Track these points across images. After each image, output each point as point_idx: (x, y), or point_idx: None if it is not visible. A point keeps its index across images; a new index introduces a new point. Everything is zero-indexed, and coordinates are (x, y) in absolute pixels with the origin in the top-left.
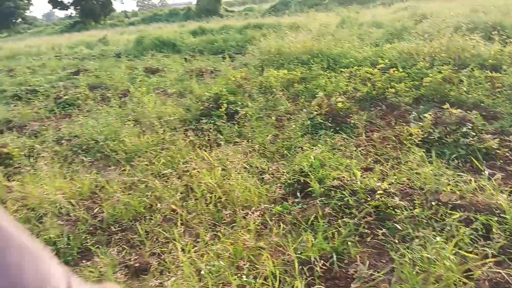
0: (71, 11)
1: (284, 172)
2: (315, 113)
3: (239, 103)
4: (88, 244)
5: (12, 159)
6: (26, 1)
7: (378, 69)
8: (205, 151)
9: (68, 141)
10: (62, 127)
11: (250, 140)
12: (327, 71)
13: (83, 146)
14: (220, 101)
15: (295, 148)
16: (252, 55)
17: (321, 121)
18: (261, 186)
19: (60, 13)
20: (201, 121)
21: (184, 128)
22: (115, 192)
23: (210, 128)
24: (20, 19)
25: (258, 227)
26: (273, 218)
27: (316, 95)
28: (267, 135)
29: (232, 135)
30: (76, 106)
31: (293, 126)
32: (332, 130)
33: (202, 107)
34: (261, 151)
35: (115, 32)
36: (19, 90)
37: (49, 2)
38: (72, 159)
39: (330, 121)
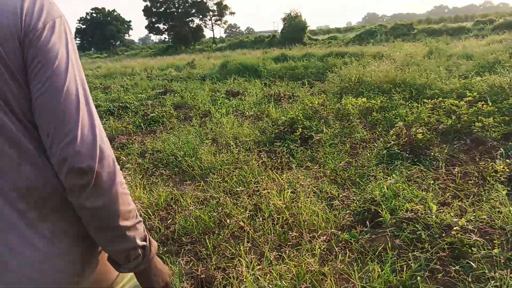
0: (165, 36)
1: (354, 200)
2: (392, 142)
3: (314, 128)
4: (159, 253)
5: None
6: (126, 26)
7: (465, 102)
8: (277, 173)
9: (151, 154)
10: (146, 142)
11: (322, 165)
12: (409, 102)
13: (164, 160)
14: (296, 125)
15: (368, 176)
16: (331, 82)
17: (398, 151)
18: (330, 211)
19: (155, 38)
20: (275, 143)
21: (258, 149)
22: (188, 205)
23: (283, 151)
24: (119, 42)
25: (323, 252)
26: (340, 244)
27: (395, 125)
28: (340, 162)
29: (304, 159)
30: (161, 123)
31: (368, 154)
32: (409, 161)
33: (277, 131)
34: (332, 177)
35: (202, 57)
36: (112, 106)
37: (146, 28)
38: (152, 172)
39: (407, 152)
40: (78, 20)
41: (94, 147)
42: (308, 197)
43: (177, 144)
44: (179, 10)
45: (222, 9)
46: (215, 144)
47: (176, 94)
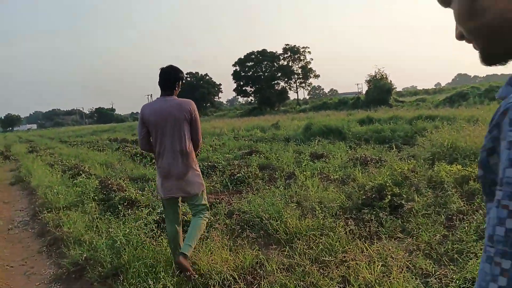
0: (251, 98)
1: (453, 279)
2: None
3: (404, 196)
4: None
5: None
6: (216, 89)
7: None
8: (365, 242)
9: (237, 215)
10: (233, 202)
11: (414, 237)
12: None
13: (250, 222)
14: (384, 192)
15: (467, 253)
16: (421, 147)
17: None
18: None
19: (241, 99)
20: (362, 210)
21: (344, 216)
22: (273, 271)
23: (372, 219)
24: (209, 103)
25: None
26: None
27: None
28: (435, 234)
29: (395, 230)
30: (246, 183)
31: (466, 228)
32: None
33: (364, 196)
34: (426, 251)
35: (286, 118)
36: (201, 165)
37: (234, 90)
38: (238, 233)
39: None
40: None
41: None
42: (401, 273)
43: (263, 205)
44: (266, 74)
45: (306, 72)
46: (299, 208)
47: (261, 155)
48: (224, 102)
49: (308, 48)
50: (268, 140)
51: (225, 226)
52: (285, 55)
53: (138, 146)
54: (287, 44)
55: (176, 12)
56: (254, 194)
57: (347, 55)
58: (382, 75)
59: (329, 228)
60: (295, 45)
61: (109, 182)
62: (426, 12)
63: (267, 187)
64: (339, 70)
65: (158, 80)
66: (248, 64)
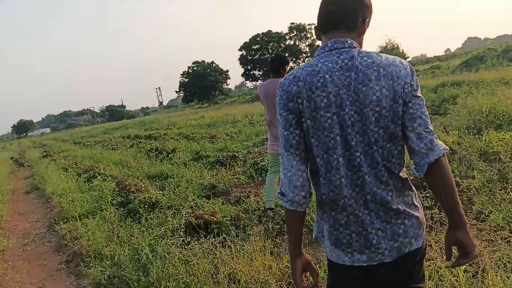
0: (260, 82)
1: None
2: None
3: (457, 172)
4: None
5: (221, 228)
6: (224, 76)
7: None
8: (429, 233)
9: (271, 210)
10: (262, 195)
11: (484, 220)
12: None
13: (283, 217)
14: None
15: None
16: (456, 115)
17: None
18: None
19: (250, 84)
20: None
21: None
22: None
23: (429, 205)
24: (218, 91)
25: None
26: None
27: None
28: (508, 216)
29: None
30: None
31: None
32: None
33: (411, 177)
34: (505, 237)
35: None
36: (221, 156)
37: (242, 75)
38: (277, 232)
39: None
40: (181, 74)
41: None
42: (496, 271)
43: None
44: (273, 55)
45: (314, 50)
46: None
47: None
48: (233, 89)
49: (315, 24)
50: None
51: (260, 223)
52: (292, 34)
53: (152, 142)
54: (292, 23)
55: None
56: None
57: None
58: (394, 46)
59: None
60: (300, 23)
61: (126, 183)
62: None
63: None
64: None
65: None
66: (254, 47)
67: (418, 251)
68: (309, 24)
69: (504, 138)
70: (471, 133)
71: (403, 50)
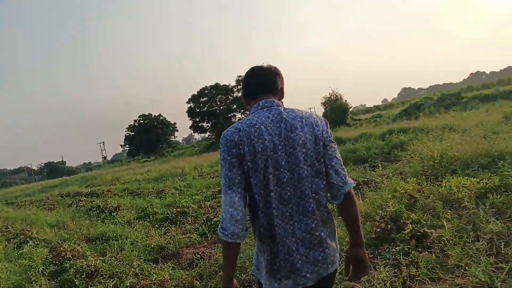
0: (209, 133)
1: None
2: None
3: (424, 222)
4: None
5: None
6: (172, 128)
7: None
8: None
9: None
10: (219, 257)
11: (463, 275)
12: None
13: (247, 283)
14: (401, 220)
15: None
16: (408, 162)
17: None
18: None
19: (198, 136)
20: (380, 247)
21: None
22: None
23: (399, 259)
24: (165, 144)
25: None
26: None
27: None
28: (487, 268)
29: (434, 268)
30: None
31: None
32: None
33: (378, 229)
34: None
35: None
36: (169, 213)
37: (190, 128)
38: None
39: None
40: (126, 128)
41: None
42: None
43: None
44: (221, 107)
45: None
46: None
47: None
48: (180, 141)
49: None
50: None
51: None
52: (239, 87)
53: (94, 199)
54: (239, 76)
55: (132, 59)
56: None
57: (295, 79)
58: (337, 96)
59: None
60: None
61: (61, 248)
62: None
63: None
64: (292, 95)
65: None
66: (202, 99)
67: (333, 274)
68: None
69: (466, 184)
70: (428, 180)
71: (346, 100)
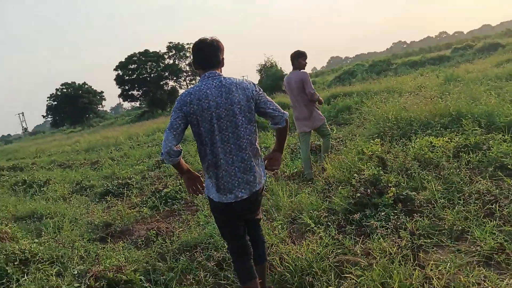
0: (139, 102)
1: None
2: None
3: (403, 184)
4: None
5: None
6: (99, 97)
7: None
8: (410, 264)
9: (196, 251)
10: (177, 231)
11: (464, 240)
12: (492, 134)
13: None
14: (381, 184)
15: None
16: (361, 124)
17: None
18: None
19: (127, 105)
20: (362, 212)
21: (350, 226)
22: None
23: (392, 226)
24: (92, 114)
25: None
26: None
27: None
28: (486, 232)
29: (431, 234)
30: (179, 199)
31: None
32: None
33: (358, 194)
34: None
35: None
36: (110, 185)
37: (119, 96)
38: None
39: None
40: (48, 97)
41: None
42: None
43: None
44: (152, 75)
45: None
46: (268, 224)
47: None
48: (109, 111)
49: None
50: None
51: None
52: (170, 54)
53: (18, 174)
54: (170, 42)
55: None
56: (196, 214)
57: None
58: (272, 63)
59: (346, 250)
60: (179, 43)
61: None
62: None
63: None
64: (227, 62)
65: None
66: (131, 67)
67: (261, 190)
68: (187, 43)
69: (438, 144)
70: (393, 140)
71: (281, 68)
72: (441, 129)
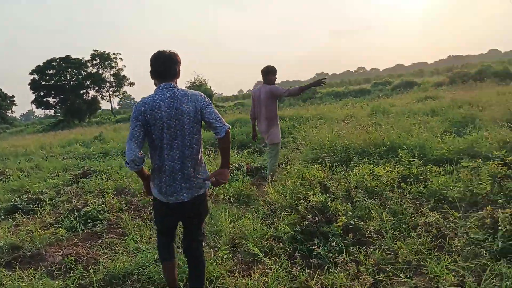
0: (54, 110)
1: None
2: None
3: (350, 213)
4: None
5: None
6: (9, 102)
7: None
8: None
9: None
10: (100, 258)
11: (420, 274)
12: (429, 167)
13: None
14: (329, 211)
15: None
16: (295, 148)
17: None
18: None
19: (39, 113)
20: (310, 242)
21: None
22: None
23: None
24: (0, 119)
25: None
26: None
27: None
28: (446, 274)
29: (383, 267)
30: (102, 219)
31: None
32: None
33: (307, 222)
34: None
35: (103, 129)
36: (18, 200)
37: (32, 102)
38: None
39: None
40: None
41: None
42: None
43: (153, 255)
44: (72, 82)
45: (119, 79)
46: (212, 253)
47: (102, 176)
48: (18, 117)
49: (120, 54)
50: (97, 156)
51: None
52: (94, 62)
53: None
54: (95, 50)
55: None
56: (121, 238)
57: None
58: (202, 81)
59: (299, 284)
60: (104, 51)
61: None
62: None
63: (141, 223)
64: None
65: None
66: (49, 72)
67: (202, 196)
68: (114, 53)
69: (380, 173)
70: (332, 167)
71: (210, 87)
72: (377, 158)
